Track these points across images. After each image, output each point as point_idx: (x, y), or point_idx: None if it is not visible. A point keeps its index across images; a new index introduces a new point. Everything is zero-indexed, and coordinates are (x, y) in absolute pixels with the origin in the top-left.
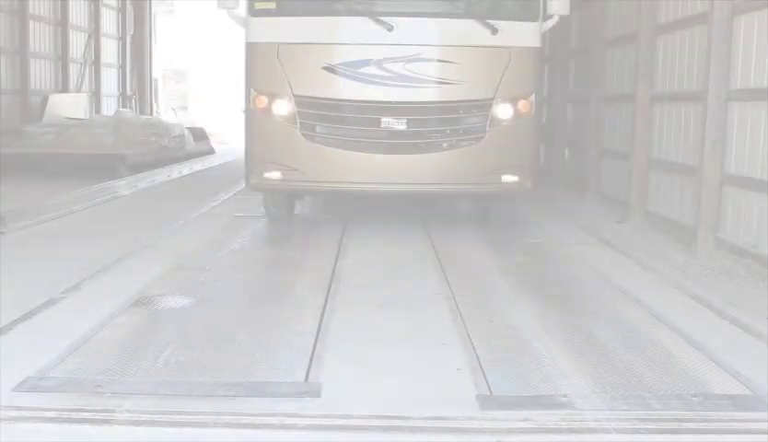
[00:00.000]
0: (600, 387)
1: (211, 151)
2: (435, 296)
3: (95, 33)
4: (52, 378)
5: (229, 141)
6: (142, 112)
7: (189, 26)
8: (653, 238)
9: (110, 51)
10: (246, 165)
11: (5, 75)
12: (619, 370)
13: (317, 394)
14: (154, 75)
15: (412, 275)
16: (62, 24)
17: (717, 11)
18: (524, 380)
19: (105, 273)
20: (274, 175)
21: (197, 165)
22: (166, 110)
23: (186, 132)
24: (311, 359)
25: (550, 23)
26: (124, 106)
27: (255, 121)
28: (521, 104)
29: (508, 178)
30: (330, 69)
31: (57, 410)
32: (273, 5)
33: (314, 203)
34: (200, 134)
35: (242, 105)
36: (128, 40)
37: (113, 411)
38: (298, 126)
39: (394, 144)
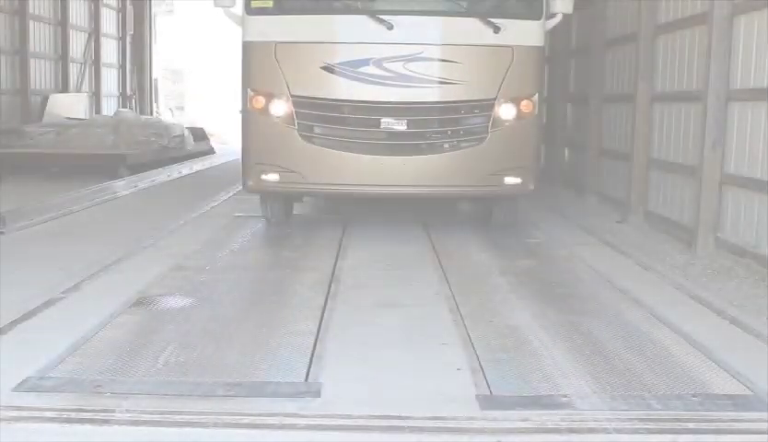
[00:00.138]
0: (600, 387)
1: (211, 151)
2: (435, 296)
3: (95, 33)
4: (52, 378)
5: (229, 141)
6: (142, 112)
7: (189, 26)
8: (653, 238)
9: (110, 51)
10: (243, 167)
11: (5, 75)
12: (619, 370)
13: (317, 394)
14: (154, 75)
15: (412, 275)
16: (62, 24)
17: (717, 11)
18: (524, 380)
19: (105, 272)
20: (272, 177)
21: (197, 165)
22: (164, 110)
23: (186, 132)
24: (311, 359)
25: (553, 21)
26: (124, 106)
27: (252, 121)
28: (524, 104)
29: (511, 180)
30: (328, 69)
31: (57, 410)
32: (270, 4)
33: (314, 203)
34: (200, 134)
35: (239, 105)
36: (128, 40)
37: (113, 411)
38: (296, 127)
39: (394, 145)
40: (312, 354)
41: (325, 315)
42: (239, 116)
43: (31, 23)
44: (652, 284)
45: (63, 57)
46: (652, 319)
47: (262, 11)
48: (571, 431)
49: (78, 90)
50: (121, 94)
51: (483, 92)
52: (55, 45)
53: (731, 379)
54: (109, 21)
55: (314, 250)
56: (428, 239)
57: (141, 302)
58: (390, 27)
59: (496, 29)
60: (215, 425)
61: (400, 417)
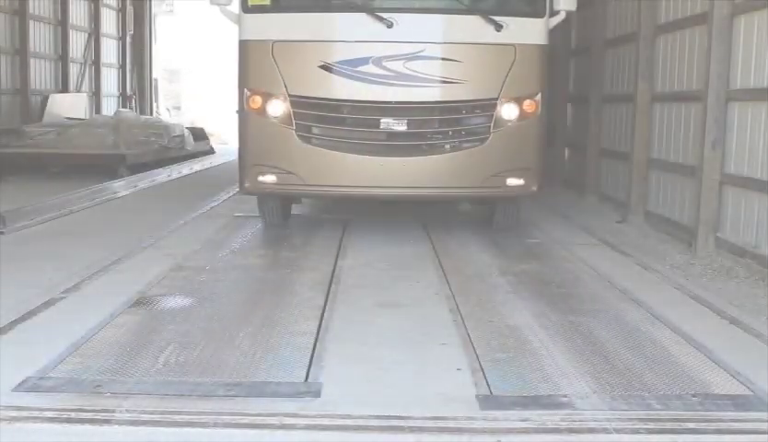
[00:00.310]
0: (600, 387)
1: (211, 151)
2: (435, 296)
3: (95, 33)
4: (52, 378)
5: (229, 141)
6: (142, 112)
7: (188, 25)
8: (653, 237)
9: (110, 51)
10: (239, 168)
11: (5, 75)
12: (619, 370)
13: (317, 394)
14: (154, 75)
15: (412, 275)
16: (62, 24)
17: (717, 11)
18: (524, 380)
19: (105, 272)
20: (269, 179)
21: (197, 165)
22: (162, 110)
23: (186, 132)
24: (311, 359)
25: (556, 19)
26: (124, 106)
27: (249, 122)
28: (527, 104)
29: (514, 181)
30: (327, 68)
31: (57, 410)
32: (267, 1)
33: (314, 203)
34: (200, 134)
35: (236, 105)
36: (128, 40)
37: (113, 411)
38: (294, 127)
39: (394, 146)
40: (312, 355)
41: (325, 315)
42: (236, 116)
43: (31, 23)
44: (652, 284)
45: (63, 57)
46: (652, 320)
47: (259, 9)
48: (571, 431)
49: (78, 90)
50: (121, 94)
51: (485, 91)
52: (55, 45)
53: (731, 379)
54: (109, 21)
55: (314, 250)
56: (428, 239)
57: (141, 302)
58: (390, 25)
59: (498, 27)
60: (215, 425)
61: (399, 417)
